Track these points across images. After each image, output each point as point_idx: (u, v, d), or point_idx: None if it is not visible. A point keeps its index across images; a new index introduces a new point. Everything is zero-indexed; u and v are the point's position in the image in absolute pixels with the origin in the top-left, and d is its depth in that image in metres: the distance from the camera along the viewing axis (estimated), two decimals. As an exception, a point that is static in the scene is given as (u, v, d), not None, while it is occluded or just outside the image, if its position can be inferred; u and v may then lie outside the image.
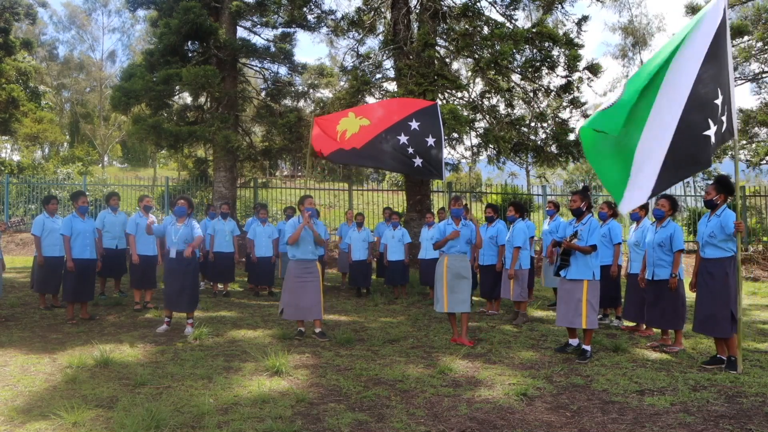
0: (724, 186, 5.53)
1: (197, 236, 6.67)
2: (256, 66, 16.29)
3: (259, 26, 15.60)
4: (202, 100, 15.73)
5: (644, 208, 7.23)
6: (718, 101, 5.11)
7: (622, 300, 7.48)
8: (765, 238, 15.09)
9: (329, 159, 9.50)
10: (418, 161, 9.02)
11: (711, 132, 5.06)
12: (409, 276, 10.36)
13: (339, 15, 14.75)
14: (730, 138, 5.34)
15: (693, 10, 18.12)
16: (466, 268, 6.49)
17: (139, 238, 8.13)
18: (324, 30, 15.06)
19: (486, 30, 12.87)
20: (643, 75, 5.18)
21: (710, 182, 5.77)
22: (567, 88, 12.90)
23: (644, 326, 7.05)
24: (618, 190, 5.27)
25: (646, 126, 5.14)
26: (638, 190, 5.21)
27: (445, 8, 12.91)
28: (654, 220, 6.66)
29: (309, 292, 6.55)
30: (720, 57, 5.15)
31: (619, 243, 7.45)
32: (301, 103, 16.33)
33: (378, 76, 13.71)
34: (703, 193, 19.28)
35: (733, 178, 5.60)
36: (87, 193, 8.02)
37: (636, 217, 7.19)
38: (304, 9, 14.42)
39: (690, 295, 6.32)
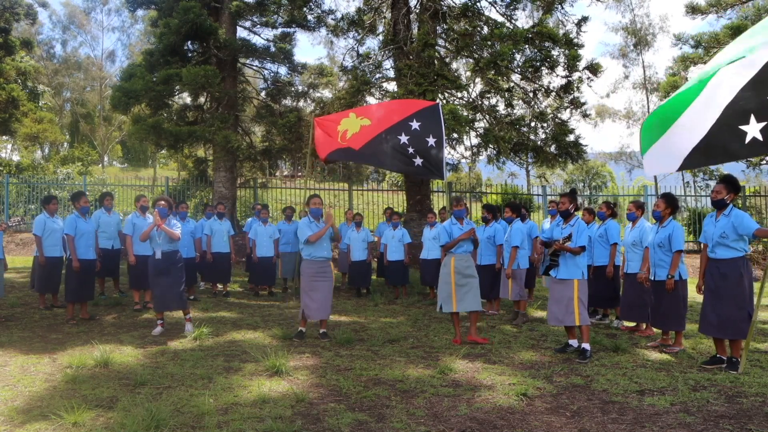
0: (733, 185, 5.45)
1: (176, 232, 6.68)
2: (256, 66, 16.30)
3: (259, 26, 15.62)
4: (202, 100, 15.74)
5: (640, 208, 7.23)
6: None
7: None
8: (765, 239, 15.09)
9: (329, 159, 9.50)
10: (418, 161, 9.01)
11: (749, 128, 4.85)
12: (409, 276, 10.35)
13: (339, 15, 14.77)
14: None
15: (693, 9, 18.12)
16: (472, 267, 6.55)
17: (137, 239, 8.09)
18: (324, 30, 15.10)
19: (486, 30, 12.87)
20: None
21: (711, 182, 5.75)
22: (567, 88, 12.91)
23: (644, 326, 7.06)
24: (645, 144, 5.33)
25: (699, 95, 5.11)
26: (668, 157, 5.24)
27: (445, 8, 12.91)
28: (655, 221, 6.66)
29: (323, 292, 6.55)
30: None
31: (616, 243, 7.45)
32: (301, 103, 16.35)
33: (378, 76, 13.71)
34: (703, 193, 19.28)
35: (746, 178, 5.58)
36: (87, 194, 8.01)
37: (632, 217, 7.20)
38: (304, 9, 14.42)
39: (693, 297, 6.31)
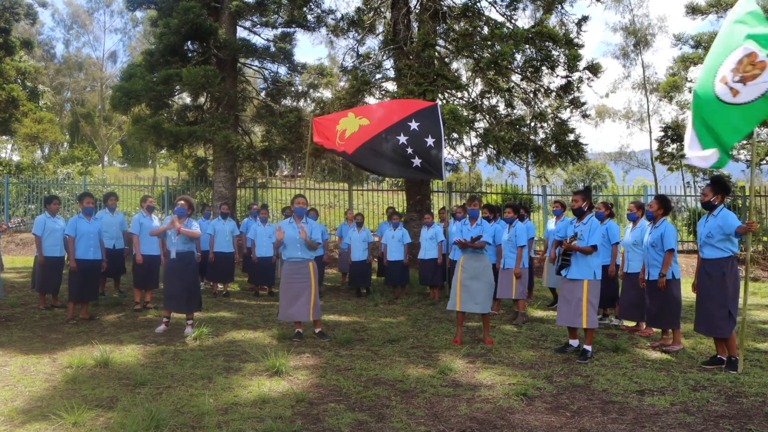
0: (720, 187, 5.58)
1: (196, 230, 6.73)
2: (256, 66, 16.29)
3: (259, 26, 15.59)
4: (202, 100, 15.72)
5: (641, 208, 7.26)
6: None
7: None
8: (765, 238, 15.08)
9: (332, 151, 9.50)
10: (417, 161, 9.01)
11: None
12: (409, 276, 10.34)
13: (339, 15, 14.75)
14: None
15: (693, 10, 18.14)
16: (483, 268, 6.44)
17: (143, 238, 8.13)
18: (324, 30, 15.06)
19: (486, 30, 12.85)
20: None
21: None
22: (567, 88, 12.90)
23: (644, 326, 7.07)
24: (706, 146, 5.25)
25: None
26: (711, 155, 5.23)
27: (445, 8, 12.90)
28: (649, 221, 6.70)
29: (297, 293, 6.52)
30: None
31: (617, 243, 7.47)
32: (301, 103, 16.32)
33: (378, 76, 13.70)
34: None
35: (746, 178, 5.63)
36: (92, 195, 8.04)
37: (633, 217, 7.23)
38: (304, 9, 14.41)
39: (690, 296, 6.35)
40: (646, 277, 6.42)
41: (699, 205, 16.99)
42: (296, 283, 6.53)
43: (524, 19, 36.98)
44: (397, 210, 11.59)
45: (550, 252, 8.34)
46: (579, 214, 6.03)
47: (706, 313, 5.43)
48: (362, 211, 14.22)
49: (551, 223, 8.94)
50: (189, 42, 14.40)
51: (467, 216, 6.78)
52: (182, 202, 6.74)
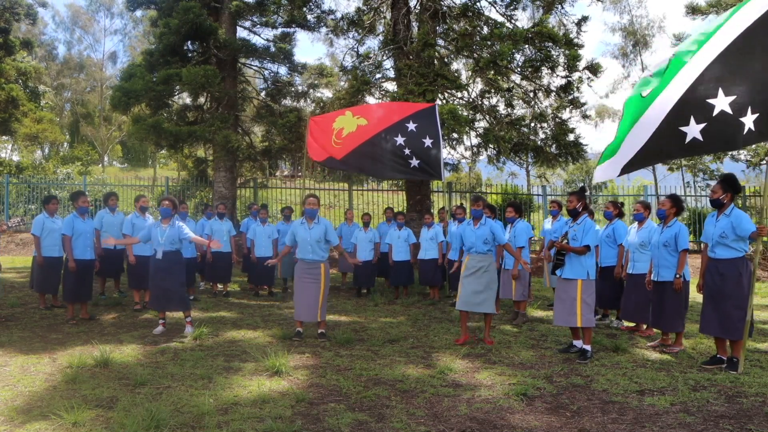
0: (730, 184, 5.44)
1: (205, 238, 6.86)
2: (256, 66, 16.30)
3: (259, 26, 15.61)
4: (202, 100, 15.73)
5: (648, 208, 7.19)
6: (715, 101, 5.11)
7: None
8: (765, 239, 15.07)
9: (325, 164, 9.52)
10: (415, 162, 9.01)
11: (689, 129, 5.18)
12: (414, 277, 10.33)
13: (339, 15, 14.76)
14: (760, 140, 5.45)
15: (693, 10, 18.15)
16: (485, 267, 6.41)
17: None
18: (324, 30, 15.07)
19: (486, 30, 12.86)
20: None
21: (712, 182, 5.76)
22: (567, 88, 12.90)
23: (644, 326, 7.05)
24: (602, 159, 5.69)
25: (649, 107, 5.40)
26: (613, 165, 5.57)
27: (445, 8, 12.90)
28: (659, 221, 6.62)
29: (307, 293, 6.56)
30: (743, 56, 5.08)
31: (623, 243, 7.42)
32: (301, 103, 16.33)
33: (378, 76, 13.70)
34: (703, 193, 19.27)
35: (746, 178, 5.65)
36: (86, 193, 8.02)
37: (640, 217, 7.13)
38: (304, 9, 14.42)
39: (694, 297, 6.31)
40: (655, 278, 6.28)
41: (699, 204, 16.98)
42: (307, 284, 6.59)
43: (524, 20, 36.97)
44: (400, 210, 11.58)
45: (545, 252, 8.33)
46: (574, 214, 6.02)
47: (721, 314, 5.28)
48: (362, 211, 14.21)
49: (548, 223, 8.92)
50: (189, 42, 14.41)
51: (471, 216, 6.72)
52: (166, 202, 6.77)
